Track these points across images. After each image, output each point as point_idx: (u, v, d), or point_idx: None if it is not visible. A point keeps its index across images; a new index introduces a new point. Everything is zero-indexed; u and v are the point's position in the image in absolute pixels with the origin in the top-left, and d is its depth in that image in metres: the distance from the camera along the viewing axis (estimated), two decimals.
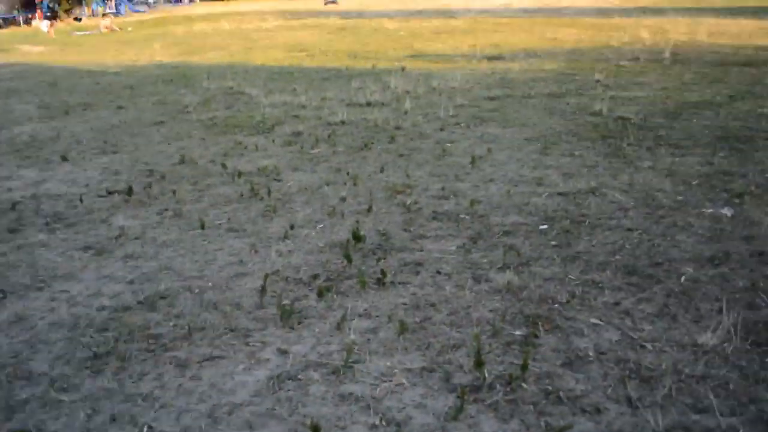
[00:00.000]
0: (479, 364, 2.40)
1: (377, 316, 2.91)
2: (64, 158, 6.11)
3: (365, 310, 2.97)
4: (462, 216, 4.16)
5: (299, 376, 2.46)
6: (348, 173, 5.19)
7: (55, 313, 3.08)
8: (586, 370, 2.42)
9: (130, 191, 4.87)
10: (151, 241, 3.98)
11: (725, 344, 2.54)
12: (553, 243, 3.69)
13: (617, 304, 2.94)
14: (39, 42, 21.39)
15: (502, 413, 2.20)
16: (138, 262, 3.67)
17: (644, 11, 21.58)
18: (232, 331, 2.82)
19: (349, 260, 3.48)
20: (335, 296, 3.12)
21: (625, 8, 23.28)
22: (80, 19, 30.48)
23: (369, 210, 4.32)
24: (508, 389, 2.32)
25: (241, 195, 4.76)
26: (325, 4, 37.61)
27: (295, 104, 8.15)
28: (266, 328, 2.83)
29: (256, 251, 3.72)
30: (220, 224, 4.20)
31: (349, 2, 39.96)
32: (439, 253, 3.61)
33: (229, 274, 3.43)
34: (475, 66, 10.53)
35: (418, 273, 3.37)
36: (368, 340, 2.71)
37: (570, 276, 3.24)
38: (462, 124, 6.71)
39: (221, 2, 50.80)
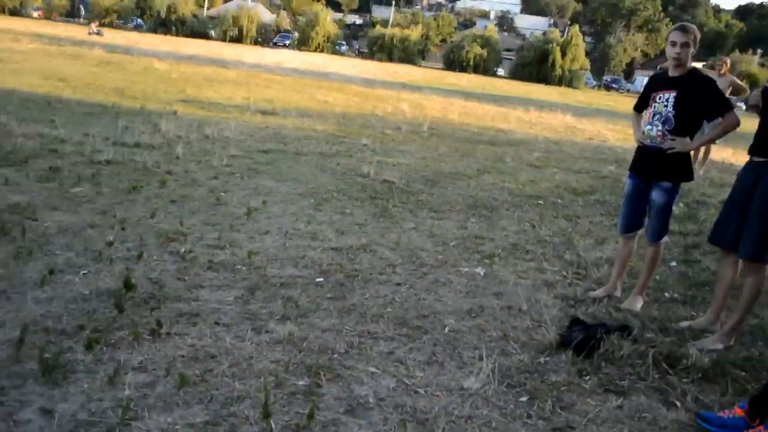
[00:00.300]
0: (266, 415, 2.39)
1: (154, 369, 2.76)
2: None
3: (140, 362, 2.80)
4: (239, 267, 4.14)
5: None
6: (115, 216, 4.87)
7: None
8: (368, 416, 2.54)
9: None
10: None
11: (486, 387, 2.85)
12: (329, 295, 3.82)
13: (391, 353, 3.14)
14: None
15: None
16: None
17: (404, 86, 23.67)
18: None
19: (120, 310, 3.26)
20: (105, 348, 2.89)
21: (388, 81, 25.31)
22: None
23: (140, 257, 4.09)
24: None
25: None
26: (89, 33, 35.30)
27: (52, 137, 7.46)
28: (24, 384, 2.52)
29: (8, 298, 3.31)
30: None
31: (115, 36, 38.00)
32: (216, 303, 3.55)
33: None
34: (249, 118, 10.61)
35: (195, 323, 3.26)
36: (145, 395, 2.55)
37: (347, 327, 3.39)
38: (236, 174, 6.69)
39: None
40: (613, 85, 58.59)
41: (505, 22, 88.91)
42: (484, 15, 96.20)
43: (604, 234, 5.93)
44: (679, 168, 3.97)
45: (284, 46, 56.19)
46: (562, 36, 50.67)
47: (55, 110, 9.34)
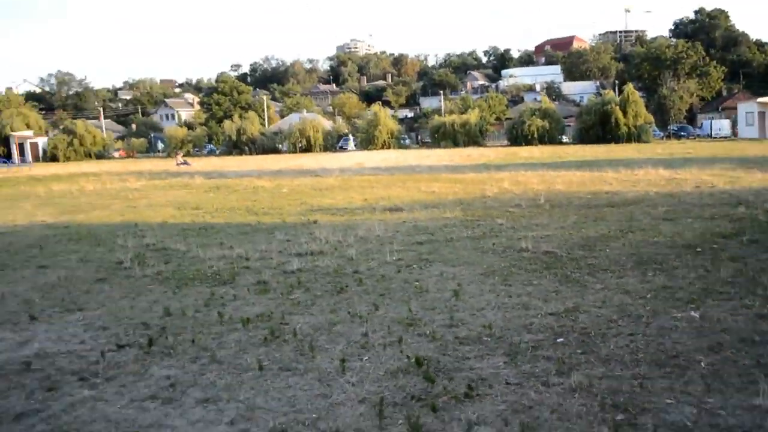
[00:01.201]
0: None
1: (492, 422, 3.32)
2: (33, 318, 5.87)
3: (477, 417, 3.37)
4: (485, 338, 4.71)
5: None
6: (349, 312, 5.56)
7: None
8: None
9: (150, 343, 4.87)
10: (210, 386, 4.06)
11: None
12: (579, 351, 4.34)
13: (685, 390, 3.61)
14: None
15: None
16: (219, 405, 3.76)
17: (487, 167, 24.46)
18: None
19: (431, 380, 3.86)
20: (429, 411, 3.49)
21: (470, 165, 26.19)
22: None
23: (400, 341, 4.73)
24: None
25: (264, 339, 4.95)
26: (177, 164, 38.00)
27: (234, 257, 8.37)
28: None
29: (328, 384, 3.97)
30: (266, 365, 4.36)
31: (198, 163, 40.69)
32: (492, 368, 4.11)
33: (320, 406, 3.66)
34: (382, 216, 11.45)
35: (490, 386, 3.83)
36: None
37: (625, 372, 3.88)
38: (413, 266, 7.37)
39: (57, 164, 49.41)
40: (682, 133, 58.22)
41: (552, 91, 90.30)
42: (530, 88, 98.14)
43: None
44: None
45: (354, 148, 58.63)
46: (617, 95, 51.31)
47: (216, 234, 10.39)
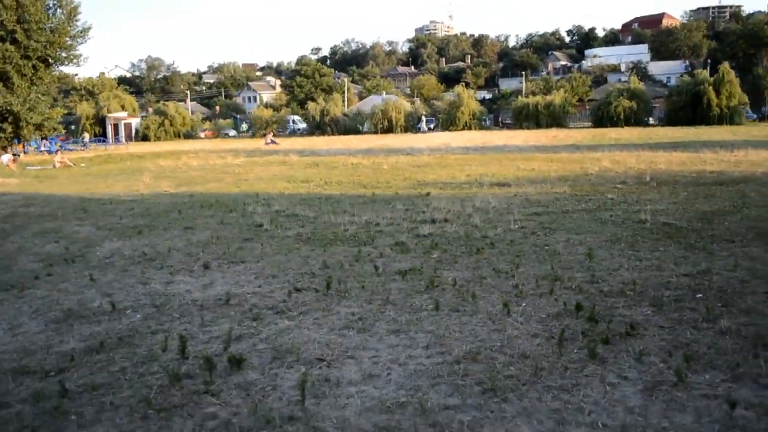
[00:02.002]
0: None
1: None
2: (206, 266, 6.75)
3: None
4: (627, 292, 5.23)
5: None
6: (494, 269, 6.17)
7: None
8: None
9: (328, 286, 5.63)
10: (393, 321, 4.76)
11: None
12: (720, 304, 4.80)
13: None
14: (4, 175, 21.37)
15: None
16: (409, 335, 4.45)
17: (578, 147, 24.48)
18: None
19: (595, 321, 4.44)
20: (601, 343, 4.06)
21: (560, 145, 26.23)
22: (18, 155, 30.47)
23: (551, 292, 5.30)
24: None
25: (426, 287, 5.62)
26: (266, 144, 39.50)
27: (364, 222, 9.09)
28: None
29: (499, 322, 4.61)
30: (440, 306, 5.02)
31: (286, 142, 42.08)
32: (634, 315, 4.63)
33: (499, 338, 4.29)
34: (492, 191, 11.99)
35: (659, 327, 4.36)
36: None
37: (762, 321, 4.34)
38: (538, 233, 7.89)
39: (150, 143, 52.13)
40: None
41: (638, 71, 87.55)
42: (614, 69, 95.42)
43: None
44: None
45: (429, 129, 59.02)
46: (711, 75, 49.53)
47: (337, 202, 11.18)
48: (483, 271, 6.16)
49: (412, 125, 59.34)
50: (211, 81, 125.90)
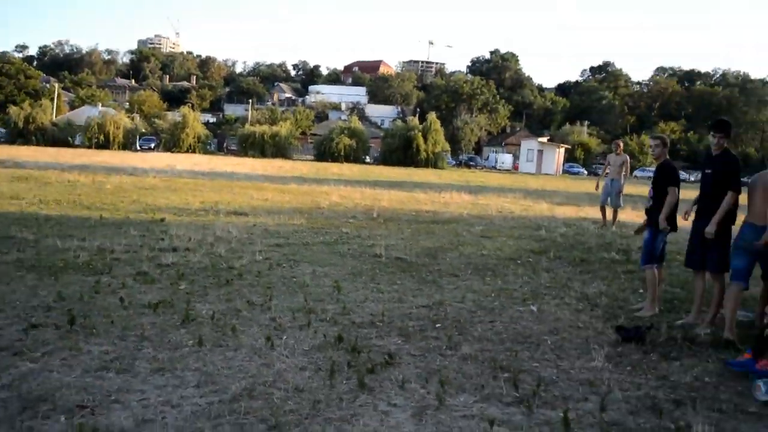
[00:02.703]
0: None
1: None
2: None
3: None
4: (377, 323, 5.65)
5: None
6: (247, 302, 6.17)
7: None
8: None
9: (71, 322, 5.11)
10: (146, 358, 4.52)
11: (604, 365, 4.63)
12: (457, 333, 5.45)
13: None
14: None
15: None
16: (175, 373, 4.27)
17: (305, 180, 25.48)
18: None
19: (358, 351, 4.71)
20: (366, 372, 4.36)
21: (287, 177, 27.00)
22: None
23: (308, 324, 5.49)
24: None
25: (182, 321, 5.41)
26: None
27: (96, 248, 8.40)
28: None
29: (266, 355, 4.64)
30: (204, 340, 4.88)
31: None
32: (385, 344, 5.06)
33: (266, 372, 4.34)
34: (231, 220, 11.90)
35: (410, 356, 4.78)
36: None
37: (493, 347, 5.05)
38: (284, 264, 8.06)
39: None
40: (471, 163, 64.54)
41: (357, 112, 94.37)
42: (336, 107, 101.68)
43: (575, 277, 8.01)
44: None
45: (149, 149, 56.36)
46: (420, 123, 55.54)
47: (57, 226, 10.09)
48: (237, 303, 6.12)
49: (131, 143, 56.07)
50: None
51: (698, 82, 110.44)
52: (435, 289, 7.11)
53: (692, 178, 48.29)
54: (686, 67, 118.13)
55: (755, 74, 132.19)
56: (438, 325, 5.66)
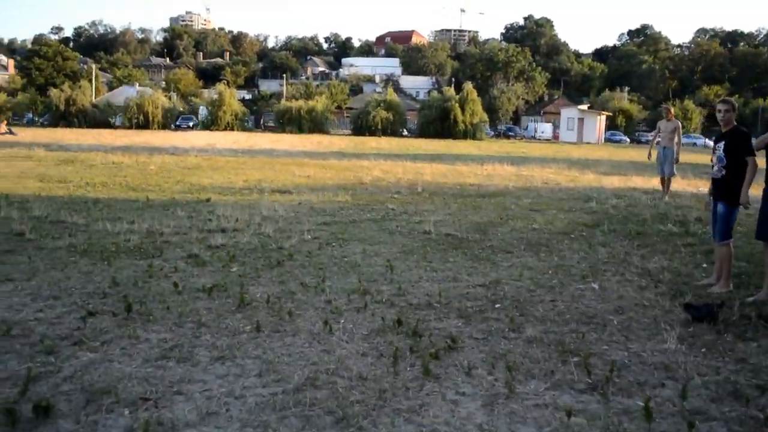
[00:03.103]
0: None
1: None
2: None
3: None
4: (434, 304, 5.50)
5: None
6: (301, 284, 6.08)
7: None
8: None
9: (128, 309, 5.08)
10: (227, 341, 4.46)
11: (677, 347, 4.41)
12: (518, 313, 5.27)
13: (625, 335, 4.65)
14: None
15: None
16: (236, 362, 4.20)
17: (345, 155, 25.35)
18: None
19: (419, 335, 4.57)
20: (430, 357, 4.23)
21: (325, 152, 26.91)
22: None
23: (365, 306, 5.37)
24: None
25: (237, 305, 5.34)
26: (2, 134, 34.74)
27: (145, 231, 8.39)
28: None
29: (325, 340, 4.54)
30: (263, 326, 4.80)
31: (26, 134, 37.47)
32: (444, 327, 4.91)
33: (330, 359, 4.24)
34: (276, 198, 11.85)
35: (473, 339, 4.63)
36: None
37: (558, 329, 4.86)
38: (333, 244, 7.96)
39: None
40: (510, 133, 63.60)
41: (391, 84, 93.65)
42: (370, 79, 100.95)
43: (635, 251, 7.72)
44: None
45: (188, 128, 56.75)
46: (456, 93, 54.78)
47: (105, 209, 10.17)
48: (290, 285, 6.03)
49: (170, 122, 56.62)
50: None
51: (741, 44, 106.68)
52: (490, 266, 6.92)
53: None
54: (728, 28, 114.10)
55: None
56: (497, 306, 5.49)
